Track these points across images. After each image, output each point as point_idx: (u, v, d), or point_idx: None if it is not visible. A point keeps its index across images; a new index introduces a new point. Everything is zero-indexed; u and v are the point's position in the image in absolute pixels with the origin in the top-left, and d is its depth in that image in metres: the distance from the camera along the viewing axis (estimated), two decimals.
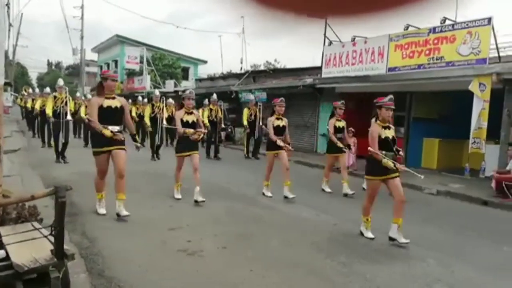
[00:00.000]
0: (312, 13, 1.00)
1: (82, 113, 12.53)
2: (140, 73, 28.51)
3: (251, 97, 13.50)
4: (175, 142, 11.43)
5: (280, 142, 6.78)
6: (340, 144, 7.39)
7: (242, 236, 4.82)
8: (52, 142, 10.12)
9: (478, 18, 8.89)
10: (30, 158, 9.98)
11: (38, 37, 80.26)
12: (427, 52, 9.86)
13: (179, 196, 6.43)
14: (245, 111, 12.61)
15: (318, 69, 13.77)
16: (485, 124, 8.55)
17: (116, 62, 34.03)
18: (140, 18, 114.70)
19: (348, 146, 7.73)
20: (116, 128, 5.09)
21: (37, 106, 12.60)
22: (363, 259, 4.22)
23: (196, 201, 6.10)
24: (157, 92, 12.24)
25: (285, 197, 6.73)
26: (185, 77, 31.92)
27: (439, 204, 7.41)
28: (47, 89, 14.01)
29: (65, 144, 9.68)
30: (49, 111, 9.65)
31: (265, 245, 4.54)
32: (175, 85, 26.05)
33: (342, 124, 7.70)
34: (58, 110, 9.65)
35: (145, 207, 5.90)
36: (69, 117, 9.73)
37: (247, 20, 24.56)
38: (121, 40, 32.32)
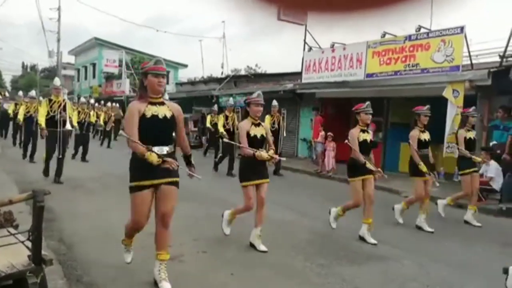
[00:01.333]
0: (293, 6, 1.03)
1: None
2: (119, 76, 28.14)
3: (230, 101, 11.72)
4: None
5: (370, 165, 5.08)
6: (423, 168, 5.63)
7: (223, 240, 4.83)
8: (43, 156, 8.11)
9: (451, 27, 9.21)
10: (4, 163, 9.71)
11: (13, 39, 78.08)
12: (403, 59, 10.13)
13: (227, 232, 4.93)
14: (220, 117, 10.80)
15: (299, 74, 13.94)
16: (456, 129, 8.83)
17: (94, 65, 33.49)
18: (119, 21, 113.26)
19: (432, 167, 6.07)
20: (165, 150, 3.36)
21: (21, 113, 11.11)
22: (342, 261, 4.30)
23: (254, 246, 4.58)
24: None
25: (361, 238, 5.09)
26: (166, 81, 31.66)
27: (415, 207, 7.59)
28: (20, 93, 14.08)
29: (60, 161, 7.73)
30: (42, 119, 7.63)
31: (246, 249, 4.57)
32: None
33: (427, 136, 5.92)
34: (56, 117, 7.62)
35: (124, 212, 5.83)
36: (68, 126, 7.79)
37: (228, 24, 24.64)
38: (99, 43, 31.85)
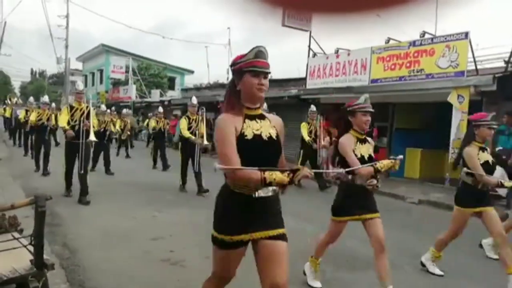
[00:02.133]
0: (299, 8, 1.03)
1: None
2: (126, 82, 28.41)
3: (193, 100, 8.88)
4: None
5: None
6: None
7: None
8: (58, 169, 7.33)
9: (456, 33, 9.20)
10: (11, 168, 9.82)
11: (22, 46, 79.34)
12: (408, 64, 10.13)
13: (318, 285, 3.87)
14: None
15: (303, 80, 13.97)
16: (463, 135, 8.79)
17: (101, 71, 33.86)
18: (126, 28, 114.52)
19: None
20: (270, 189, 2.28)
21: (33, 120, 9.98)
22: (343, 267, 4.29)
23: None
24: (194, 100, 8.77)
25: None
26: (171, 87, 31.93)
27: (419, 213, 7.56)
28: (31, 99, 13.35)
29: (83, 177, 6.74)
30: (64, 123, 6.79)
31: (248, 254, 4.56)
32: (161, 95, 26.03)
33: (489, 157, 4.07)
34: (77, 127, 6.72)
35: (127, 217, 5.87)
36: (92, 137, 6.77)
37: (233, 30, 24.79)
38: (106, 49, 32.22)
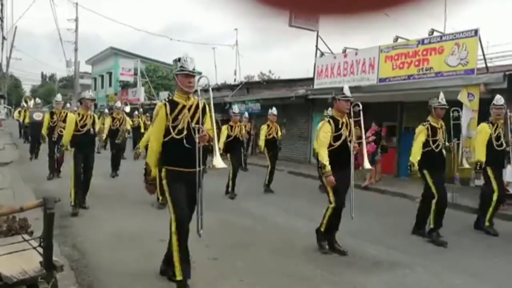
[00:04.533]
0: (306, 10, 1.02)
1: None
2: (134, 85, 28.61)
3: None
4: None
5: None
6: None
7: (234, 247, 4.84)
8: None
9: (465, 30, 9.09)
10: (22, 171, 9.94)
11: (32, 50, 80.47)
12: (417, 63, 10.03)
13: None
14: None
15: (311, 80, 13.93)
16: (474, 134, 8.67)
17: (110, 74, 34.16)
18: (134, 31, 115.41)
19: None
20: None
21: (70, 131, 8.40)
22: (352, 268, 4.25)
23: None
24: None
25: None
26: None
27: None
28: (58, 96, 10.34)
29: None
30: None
31: (256, 256, 4.56)
32: (169, 97, 26.12)
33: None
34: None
35: (136, 219, 5.90)
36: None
37: (241, 32, 24.85)
38: (115, 52, 32.52)
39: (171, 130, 3.45)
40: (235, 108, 9.07)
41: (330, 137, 4.57)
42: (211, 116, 3.68)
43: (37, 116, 12.57)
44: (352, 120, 4.86)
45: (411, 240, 5.47)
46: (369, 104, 10.61)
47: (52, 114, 9.38)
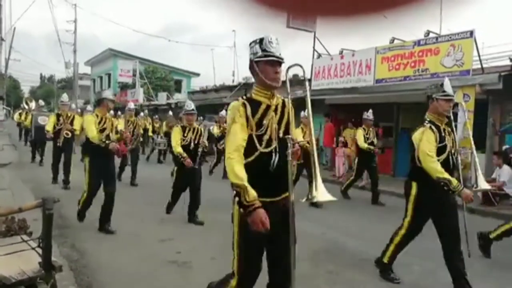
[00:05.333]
0: (303, 11, 1.06)
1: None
2: (133, 86, 28.65)
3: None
4: None
5: None
6: None
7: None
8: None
9: (460, 31, 9.15)
10: (21, 172, 9.96)
11: (31, 51, 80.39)
12: (413, 64, 10.10)
13: None
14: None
15: (308, 81, 13.98)
16: (470, 134, 8.73)
17: (109, 75, 34.18)
18: (133, 32, 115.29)
19: None
20: None
21: (77, 128, 8.37)
22: (351, 268, 4.30)
23: None
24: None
25: None
26: (178, 90, 32.13)
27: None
28: (64, 96, 9.67)
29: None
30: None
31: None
32: (168, 98, 26.19)
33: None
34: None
35: (136, 219, 5.94)
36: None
37: (239, 33, 24.90)
38: (114, 54, 32.54)
39: (256, 142, 2.38)
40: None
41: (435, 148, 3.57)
42: (308, 122, 2.70)
43: (42, 121, 11.48)
44: (453, 126, 3.84)
45: None
46: (365, 105, 10.71)
47: (58, 116, 8.63)
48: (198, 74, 35.35)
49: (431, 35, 9.76)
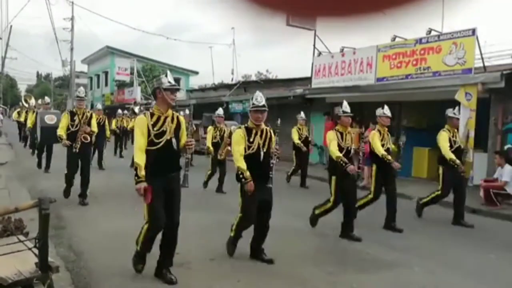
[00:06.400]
0: (302, 11, 1.00)
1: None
2: (131, 84, 28.50)
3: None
4: None
5: None
6: None
7: None
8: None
9: (462, 29, 9.09)
10: (17, 171, 9.85)
11: (27, 49, 79.96)
12: (414, 62, 10.03)
13: None
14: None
15: (309, 79, 13.91)
16: (472, 133, 8.68)
17: (106, 73, 33.99)
18: (131, 30, 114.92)
19: None
20: None
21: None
22: (350, 268, 4.23)
23: None
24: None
25: None
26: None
27: (427, 213, 7.45)
28: (81, 90, 7.94)
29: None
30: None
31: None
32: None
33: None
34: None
35: (133, 220, 5.83)
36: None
37: (238, 30, 24.82)
38: (111, 51, 32.32)
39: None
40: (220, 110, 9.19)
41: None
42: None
43: (50, 120, 9.93)
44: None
45: (410, 239, 5.46)
46: (366, 103, 10.64)
47: (72, 114, 6.90)
48: (196, 73, 35.22)
49: (433, 33, 9.70)
